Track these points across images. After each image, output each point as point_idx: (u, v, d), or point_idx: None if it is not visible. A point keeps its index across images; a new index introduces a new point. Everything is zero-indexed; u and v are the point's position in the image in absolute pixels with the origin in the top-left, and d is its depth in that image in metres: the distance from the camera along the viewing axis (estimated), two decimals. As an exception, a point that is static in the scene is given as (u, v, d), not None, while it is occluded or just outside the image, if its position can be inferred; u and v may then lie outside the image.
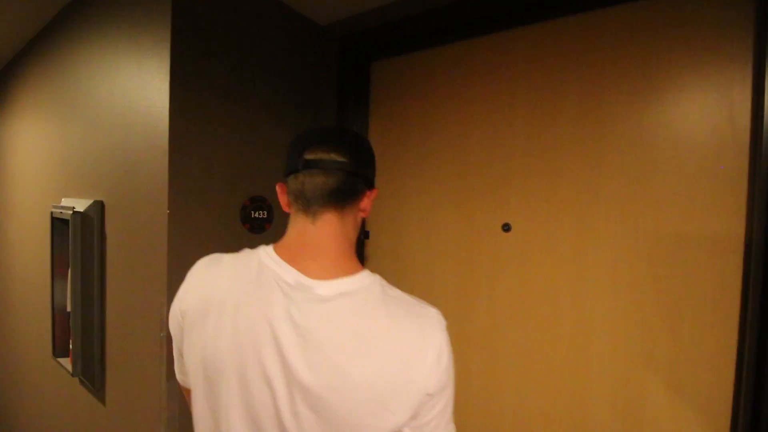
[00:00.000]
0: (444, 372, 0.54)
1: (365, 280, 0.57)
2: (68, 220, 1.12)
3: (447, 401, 0.57)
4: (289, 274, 0.55)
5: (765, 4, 0.69)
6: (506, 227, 0.95)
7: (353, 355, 0.51)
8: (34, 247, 1.44)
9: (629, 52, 0.80)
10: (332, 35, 1.17)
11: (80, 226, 1.10)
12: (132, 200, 0.99)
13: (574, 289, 0.86)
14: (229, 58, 0.96)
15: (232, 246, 0.72)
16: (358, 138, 0.64)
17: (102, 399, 1.12)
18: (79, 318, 1.09)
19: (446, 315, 0.74)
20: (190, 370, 0.58)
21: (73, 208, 1.11)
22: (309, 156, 0.58)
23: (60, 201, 1.25)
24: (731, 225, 0.72)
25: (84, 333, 1.10)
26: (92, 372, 1.10)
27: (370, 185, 0.63)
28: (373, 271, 0.62)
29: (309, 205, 0.58)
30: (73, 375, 1.13)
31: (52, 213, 1.23)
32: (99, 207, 1.10)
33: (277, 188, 0.62)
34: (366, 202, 0.62)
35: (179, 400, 0.90)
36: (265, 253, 0.58)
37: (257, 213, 1.04)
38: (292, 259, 0.57)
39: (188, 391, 0.64)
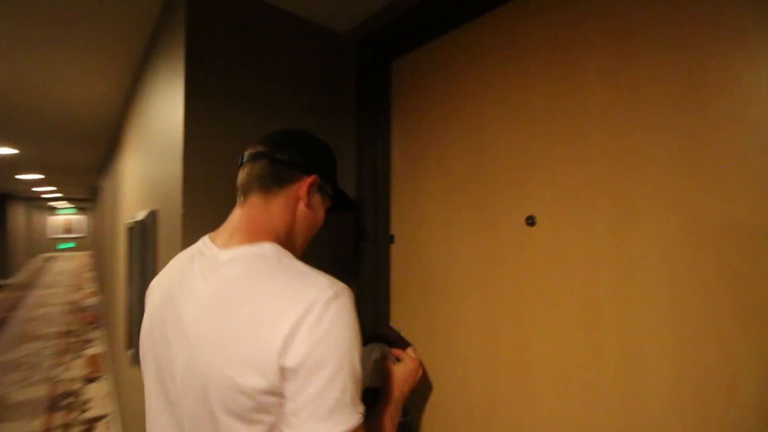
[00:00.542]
0: (317, 345, 0.50)
1: (263, 248, 0.60)
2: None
3: (327, 386, 0.50)
4: (207, 248, 0.63)
5: None
6: (530, 221, 0.80)
7: (224, 312, 0.54)
8: (121, 255, 1.67)
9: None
10: (351, 41, 1.17)
11: (139, 232, 1.24)
12: (172, 206, 1.09)
13: (618, 291, 0.66)
14: (247, 75, 1.01)
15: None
16: (295, 132, 0.73)
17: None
18: (135, 313, 1.21)
19: (470, 331, 0.67)
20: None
21: (135, 218, 1.26)
22: (245, 153, 0.70)
23: (134, 214, 1.44)
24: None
25: (138, 326, 1.22)
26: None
27: (305, 171, 0.68)
28: (398, 277, 0.80)
29: (241, 193, 0.68)
30: (131, 366, 1.24)
31: (126, 224, 1.42)
32: (153, 215, 1.23)
33: None
34: (301, 189, 0.68)
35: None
36: (202, 238, 0.68)
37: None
38: (216, 238, 0.65)
39: None
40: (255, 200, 0.66)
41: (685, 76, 0.60)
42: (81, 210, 14.60)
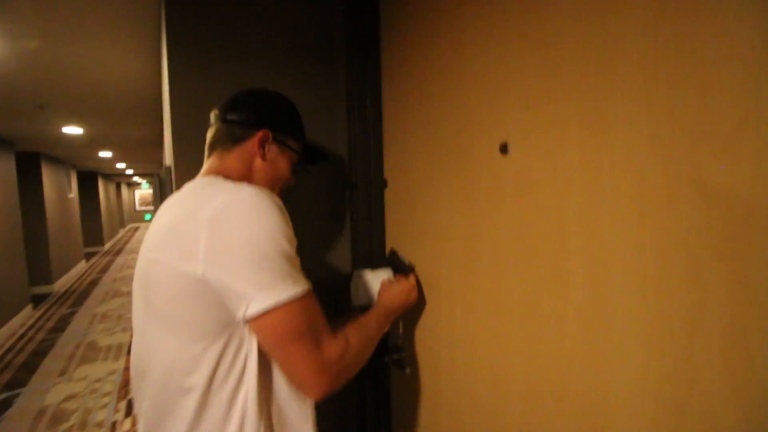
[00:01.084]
0: (220, 236, 0.56)
1: (215, 178, 0.69)
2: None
3: (244, 269, 0.56)
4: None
5: None
6: (504, 148, 0.74)
7: (167, 212, 0.65)
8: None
9: None
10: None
11: (158, 187, 1.34)
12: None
13: (586, 216, 0.61)
14: (230, 20, 1.02)
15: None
16: (249, 92, 0.80)
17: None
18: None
19: (452, 269, 0.82)
20: None
21: (157, 173, 1.36)
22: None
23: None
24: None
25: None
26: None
27: (256, 127, 0.74)
28: (391, 219, 0.92)
29: (206, 153, 0.78)
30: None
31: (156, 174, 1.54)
32: (169, 170, 1.31)
33: None
34: (253, 144, 0.74)
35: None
36: None
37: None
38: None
39: None
40: (214, 157, 0.75)
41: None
42: (153, 184, 16.04)
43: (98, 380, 3.17)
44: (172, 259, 0.57)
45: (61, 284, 6.23)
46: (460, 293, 0.87)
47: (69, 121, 3.70)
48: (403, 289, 0.91)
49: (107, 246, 10.25)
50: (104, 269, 7.45)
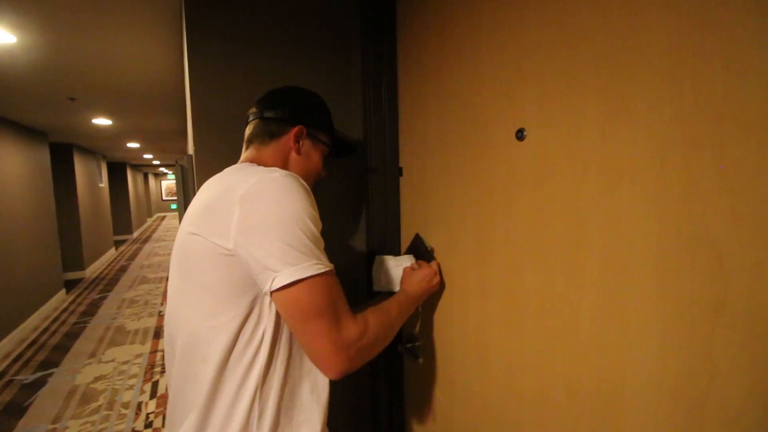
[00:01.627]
0: (250, 213, 0.60)
1: (252, 164, 0.72)
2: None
3: (270, 245, 0.59)
4: None
5: None
6: (520, 134, 0.72)
7: (206, 190, 0.69)
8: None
9: None
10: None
11: (181, 175, 1.37)
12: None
13: (603, 201, 0.59)
14: (248, 10, 1.02)
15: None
16: (282, 90, 0.84)
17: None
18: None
19: (466, 257, 0.86)
20: None
21: (177, 162, 1.39)
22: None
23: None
24: None
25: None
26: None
27: (291, 123, 0.79)
28: (406, 207, 0.98)
29: (244, 147, 0.83)
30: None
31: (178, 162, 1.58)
32: (190, 159, 1.34)
33: None
34: (289, 140, 0.78)
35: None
36: None
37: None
38: None
39: None
40: (252, 149, 0.79)
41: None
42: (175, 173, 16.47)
43: (125, 362, 3.31)
44: (207, 233, 0.61)
45: (92, 270, 6.50)
46: (474, 282, 0.86)
47: (98, 113, 3.83)
48: (426, 275, 0.92)
49: (135, 234, 10.61)
50: (132, 257, 7.73)
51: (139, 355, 3.43)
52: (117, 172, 9.62)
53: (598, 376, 0.60)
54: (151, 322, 4.19)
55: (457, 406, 0.96)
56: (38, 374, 3.15)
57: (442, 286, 0.95)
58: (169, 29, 1.82)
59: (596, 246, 0.60)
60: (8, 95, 3.01)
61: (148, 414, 2.58)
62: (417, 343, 1.08)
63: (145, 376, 3.07)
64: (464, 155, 0.86)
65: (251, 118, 0.82)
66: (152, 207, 15.33)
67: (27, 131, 4.40)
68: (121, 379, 3.03)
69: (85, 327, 4.13)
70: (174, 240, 0.73)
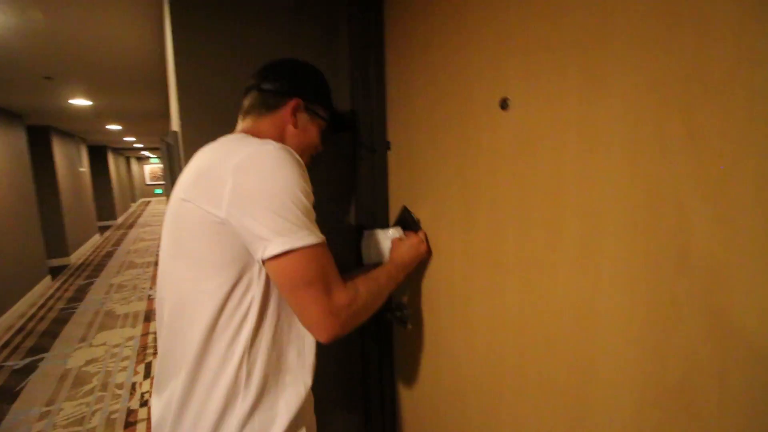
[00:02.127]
0: (242, 184, 0.61)
1: (247, 135, 0.72)
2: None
3: (261, 215, 0.60)
4: None
5: None
6: (504, 104, 0.74)
7: (200, 158, 0.70)
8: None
9: None
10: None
11: (167, 152, 1.37)
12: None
13: (581, 168, 0.62)
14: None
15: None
16: (282, 62, 0.83)
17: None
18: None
19: (452, 227, 0.90)
20: None
21: (162, 138, 1.38)
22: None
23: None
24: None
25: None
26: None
27: (289, 96, 0.78)
28: (394, 181, 1.02)
29: (240, 117, 0.83)
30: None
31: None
32: (175, 135, 1.33)
33: None
34: (286, 112, 0.78)
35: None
36: None
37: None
38: None
39: None
40: (248, 120, 0.79)
41: None
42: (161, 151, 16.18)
43: (117, 345, 3.32)
44: (199, 201, 0.62)
45: (77, 256, 6.40)
46: (459, 249, 0.89)
47: (76, 93, 3.72)
48: (413, 243, 0.94)
49: (120, 220, 10.44)
50: (118, 242, 7.62)
51: (130, 338, 3.44)
52: (97, 155, 9.38)
53: (575, 326, 0.65)
54: (141, 306, 4.18)
55: (444, 367, 1.00)
56: (28, 360, 3.14)
57: (429, 254, 0.99)
58: (149, 6, 1.77)
59: (575, 207, 0.63)
60: (-20, 75, 2.90)
61: (143, 393, 2.61)
62: (405, 311, 1.12)
63: (137, 358, 3.09)
64: (451, 127, 0.88)
65: (247, 90, 0.81)
66: (136, 192, 15.05)
67: (2, 113, 4.25)
68: (113, 362, 3.05)
69: (73, 312, 4.10)
70: (158, 225, 0.74)
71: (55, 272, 5.53)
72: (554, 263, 0.67)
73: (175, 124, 1.35)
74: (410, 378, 1.16)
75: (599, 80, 0.58)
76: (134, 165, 14.91)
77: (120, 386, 2.71)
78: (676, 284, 0.51)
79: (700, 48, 0.47)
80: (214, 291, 0.62)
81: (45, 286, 4.93)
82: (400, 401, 1.26)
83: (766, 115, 0.42)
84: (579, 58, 0.60)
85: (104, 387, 2.71)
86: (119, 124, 6.10)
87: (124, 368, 2.95)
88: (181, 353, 0.65)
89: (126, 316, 3.96)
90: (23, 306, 4.27)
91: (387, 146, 1.13)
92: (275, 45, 1.08)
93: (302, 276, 0.62)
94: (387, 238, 1.00)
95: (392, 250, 0.95)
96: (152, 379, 2.78)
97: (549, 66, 0.65)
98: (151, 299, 4.39)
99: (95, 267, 5.89)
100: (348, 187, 1.20)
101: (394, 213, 1.15)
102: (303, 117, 0.81)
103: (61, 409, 2.48)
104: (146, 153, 14.33)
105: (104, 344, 3.35)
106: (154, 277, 5.24)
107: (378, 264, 0.96)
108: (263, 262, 0.62)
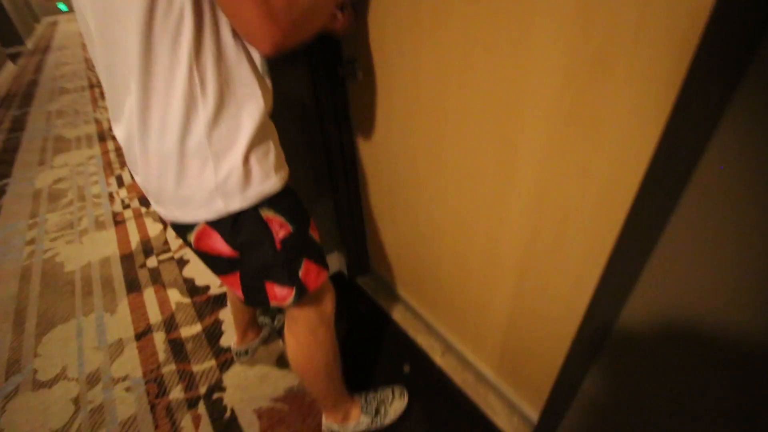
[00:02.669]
0: None
1: None
2: None
3: None
4: None
5: None
6: None
7: None
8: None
9: None
10: None
11: None
12: None
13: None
14: None
15: None
16: None
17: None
18: None
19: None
20: None
21: None
22: None
23: None
24: None
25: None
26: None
27: None
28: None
29: None
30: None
31: None
32: None
33: None
34: None
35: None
36: None
37: None
38: None
39: None
40: None
41: None
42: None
43: (80, 164, 3.31)
44: None
45: (-4, 88, 5.70)
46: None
47: None
48: None
49: (30, 45, 8.93)
50: (38, 69, 6.72)
51: (91, 157, 3.42)
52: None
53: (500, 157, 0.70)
54: (91, 129, 4.01)
55: (395, 121, 1.10)
56: (-8, 185, 3.14)
57: None
58: None
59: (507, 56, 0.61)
60: None
61: (122, 199, 2.77)
62: (356, 64, 1.14)
63: (105, 173, 3.14)
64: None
65: None
66: (35, 9, 12.44)
67: None
68: (82, 178, 3.10)
69: (20, 141, 3.91)
70: (79, 47, 0.61)
71: (-22, 105, 5.00)
72: (489, 114, 0.68)
73: None
74: (366, 130, 1.28)
75: None
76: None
77: (97, 196, 2.84)
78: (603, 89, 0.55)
79: None
80: None
81: (-26, 119, 4.53)
82: (361, 163, 1.41)
83: None
84: None
85: (81, 198, 2.83)
86: None
87: (96, 182, 3.03)
88: (124, 66, 0.63)
89: (78, 138, 3.83)
90: (-40, 140, 4.00)
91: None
92: None
93: None
94: None
95: None
96: (127, 187, 2.90)
97: None
98: (98, 122, 4.18)
99: (24, 96, 5.34)
100: None
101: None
102: None
103: (47, 219, 2.63)
104: (26, -47, 11.21)
105: (66, 165, 3.34)
106: (93, 101, 4.86)
107: None
108: None
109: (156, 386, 1.51)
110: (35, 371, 1.63)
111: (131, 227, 2.46)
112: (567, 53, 0.62)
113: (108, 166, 3.23)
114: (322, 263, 0.90)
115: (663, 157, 0.54)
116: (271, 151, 0.76)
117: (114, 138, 3.72)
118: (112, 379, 1.56)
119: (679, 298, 0.60)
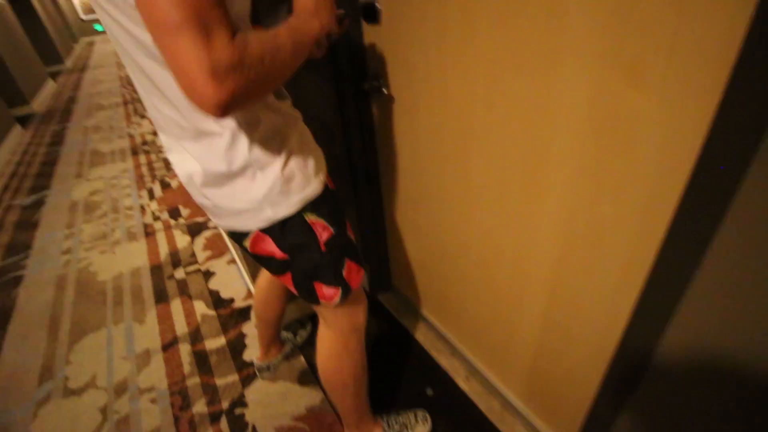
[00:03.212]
0: None
1: None
2: None
3: None
4: None
5: None
6: None
7: None
8: None
9: None
10: None
11: None
12: None
13: None
14: None
15: None
16: None
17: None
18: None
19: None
20: None
21: None
22: None
23: None
24: None
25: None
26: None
27: None
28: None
29: None
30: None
31: None
32: None
33: None
34: None
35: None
36: None
37: None
38: None
39: None
40: None
41: None
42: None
43: (114, 177, 3.45)
44: None
45: (39, 104, 6.04)
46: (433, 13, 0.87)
47: None
48: None
49: (69, 64, 9.45)
50: (76, 87, 7.09)
51: (124, 171, 3.56)
52: (12, -16, 7.84)
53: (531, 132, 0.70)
54: (124, 143, 4.18)
55: (422, 133, 1.10)
56: (33, 197, 3.30)
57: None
58: None
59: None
60: None
61: (153, 211, 2.86)
62: (381, 80, 1.15)
63: (138, 186, 3.26)
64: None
65: None
66: (73, 30, 13.18)
67: None
68: (116, 190, 3.23)
69: (58, 154, 4.11)
70: (114, 66, 0.65)
71: (22, 122, 5.30)
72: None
73: None
74: (391, 146, 1.28)
75: None
76: (62, -4, 12.62)
77: (130, 208, 2.94)
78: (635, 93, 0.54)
79: None
80: (146, 39, 0.57)
81: (18, 134, 4.80)
82: (385, 178, 1.42)
83: None
84: None
85: (115, 210, 2.94)
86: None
87: (128, 194, 3.14)
88: (154, 97, 0.67)
89: (113, 152, 4.00)
90: (5, 154, 4.24)
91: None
92: None
93: (170, 15, 0.43)
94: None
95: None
96: (158, 200, 3.00)
97: None
98: (131, 137, 4.36)
99: (63, 113, 5.63)
100: None
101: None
102: None
103: (82, 230, 2.74)
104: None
105: (101, 178, 3.48)
106: (127, 116, 5.08)
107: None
108: None
109: (180, 398, 1.53)
110: (66, 378, 1.68)
111: (161, 239, 2.53)
112: (597, 69, 0.61)
113: (140, 179, 3.35)
114: (361, 262, 0.93)
115: (703, 174, 0.51)
116: (309, 156, 0.79)
117: (146, 152, 3.87)
118: (138, 389, 1.59)
119: (722, 330, 0.56)
